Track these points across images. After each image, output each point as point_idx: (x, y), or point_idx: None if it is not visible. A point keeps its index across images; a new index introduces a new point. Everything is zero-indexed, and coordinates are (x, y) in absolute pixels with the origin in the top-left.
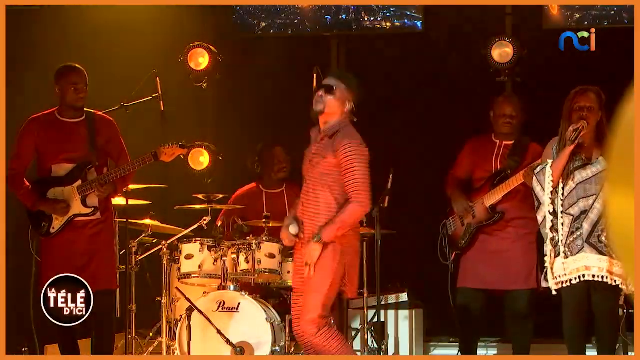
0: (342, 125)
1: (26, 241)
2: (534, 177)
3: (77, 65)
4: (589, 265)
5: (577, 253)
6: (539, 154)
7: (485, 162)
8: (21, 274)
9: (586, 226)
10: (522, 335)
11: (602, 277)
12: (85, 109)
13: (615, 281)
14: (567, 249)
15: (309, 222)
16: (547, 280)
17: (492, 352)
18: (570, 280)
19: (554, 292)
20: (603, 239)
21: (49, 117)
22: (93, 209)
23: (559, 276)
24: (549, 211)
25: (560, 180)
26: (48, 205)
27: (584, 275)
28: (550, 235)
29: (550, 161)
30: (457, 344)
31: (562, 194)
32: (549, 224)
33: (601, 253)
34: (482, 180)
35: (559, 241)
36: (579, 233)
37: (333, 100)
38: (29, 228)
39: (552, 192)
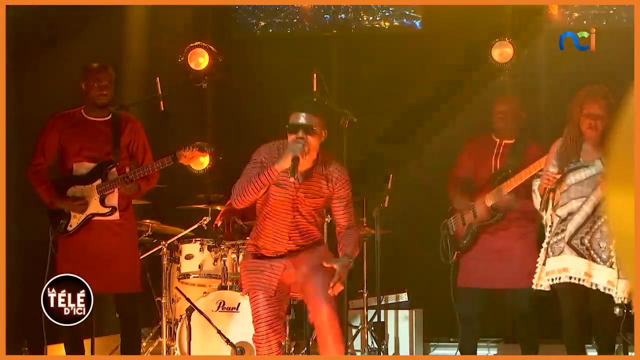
0: (327, 154)
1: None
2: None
3: (103, 64)
4: (567, 266)
5: (559, 254)
6: (539, 153)
7: (485, 161)
8: (36, 272)
9: (570, 227)
10: (528, 335)
11: (579, 279)
12: (111, 109)
13: (595, 285)
14: (549, 249)
15: (308, 253)
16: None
17: (493, 352)
18: (553, 279)
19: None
20: (586, 241)
21: (74, 115)
22: (111, 208)
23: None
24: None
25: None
26: (66, 203)
27: (560, 277)
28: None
29: (537, 183)
30: (457, 343)
31: (555, 197)
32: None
33: (581, 255)
34: (483, 179)
35: (549, 242)
36: (563, 235)
37: (315, 137)
38: (48, 226)
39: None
